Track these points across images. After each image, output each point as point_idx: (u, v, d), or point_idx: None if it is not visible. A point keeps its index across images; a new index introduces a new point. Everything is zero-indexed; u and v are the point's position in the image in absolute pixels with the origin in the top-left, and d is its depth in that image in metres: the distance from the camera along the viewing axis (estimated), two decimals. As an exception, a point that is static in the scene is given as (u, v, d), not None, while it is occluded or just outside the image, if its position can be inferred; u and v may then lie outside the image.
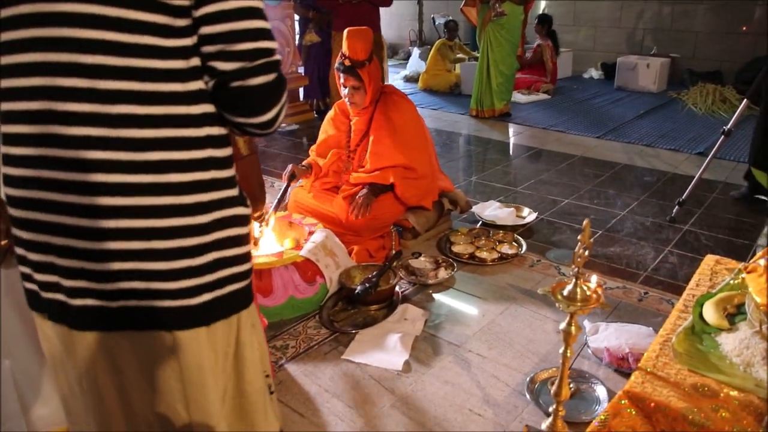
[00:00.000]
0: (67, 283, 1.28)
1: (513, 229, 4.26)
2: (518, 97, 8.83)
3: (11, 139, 1.23)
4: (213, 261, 1.32)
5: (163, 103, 1.22)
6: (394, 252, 3.64)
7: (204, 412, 1.39)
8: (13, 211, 1.29)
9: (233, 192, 1.37)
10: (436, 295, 3.45)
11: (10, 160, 1.25)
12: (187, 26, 1.22)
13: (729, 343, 1.74)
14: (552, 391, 2.08)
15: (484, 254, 3.84)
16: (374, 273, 3.32)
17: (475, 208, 4.50)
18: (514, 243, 4.00)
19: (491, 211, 4.47)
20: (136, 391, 1.37)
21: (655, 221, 4.46)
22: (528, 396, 2.60)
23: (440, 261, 3.76)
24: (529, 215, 4.46)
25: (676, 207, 4.43)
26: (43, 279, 1.31)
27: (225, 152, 1.35)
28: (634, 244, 4.08)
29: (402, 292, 3.44)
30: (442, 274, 3.62)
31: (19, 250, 1.33)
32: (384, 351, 2.91)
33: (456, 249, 3.92)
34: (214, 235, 1.32)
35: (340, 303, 3.34)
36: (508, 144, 7.02)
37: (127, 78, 1.18)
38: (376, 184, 3.77)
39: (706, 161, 4.39)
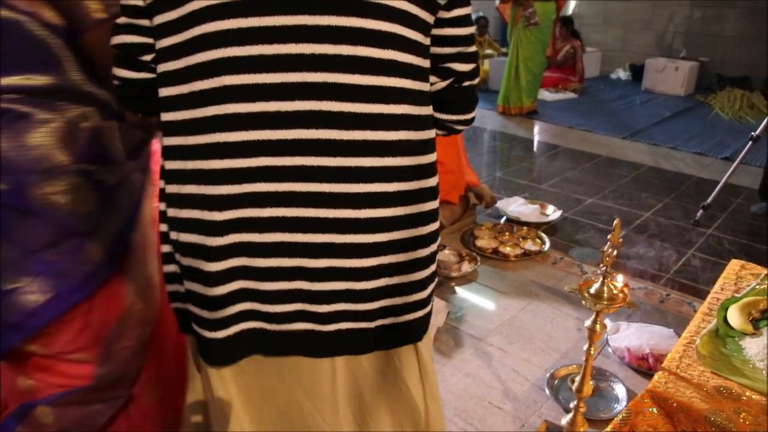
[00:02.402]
0: (322, 308, 1.22)
1: (537, 226, 4.28)
2: (545, 95, 8.80)
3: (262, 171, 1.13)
4: (433, 273, 1.34)
5: (425, 103, 1.24)
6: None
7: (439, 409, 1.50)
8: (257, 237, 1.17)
9: None
10: (458, 288, 3.48)
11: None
12: (431, 25, 1.21)
13: (753, 347, 1.76)
14: (574, 388, 2.10)
15: (507, 249, 3.87)
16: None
17: (499, 204, 4.52)
18: (537, 240, 4.03)
19: (516, 207, 4.49)
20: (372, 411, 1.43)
21: (678, 224, 4.46)
22: (548, 391, 2.63)
23: (464, 254, 3.79)
24: (553, 213, 4.48)
25: (701, 211, 4.43)
26: (282, 309, 1.23)
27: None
28: (658, 245, 4.09)
29: (425, 284, 3.47)
30: (466, 267, 3.65)
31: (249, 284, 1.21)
32: (406, 341, 2.95)
33: (480, 243, 3.94)
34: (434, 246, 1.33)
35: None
36: (534, 141, 7.02)
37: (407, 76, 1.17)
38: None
39: (733, 166, 4.38)
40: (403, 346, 1.35)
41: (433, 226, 1.27)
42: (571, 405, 2.17)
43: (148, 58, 1.18)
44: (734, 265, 2.32)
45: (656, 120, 7.84)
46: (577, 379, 2.10)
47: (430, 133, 1.25)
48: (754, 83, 9.03)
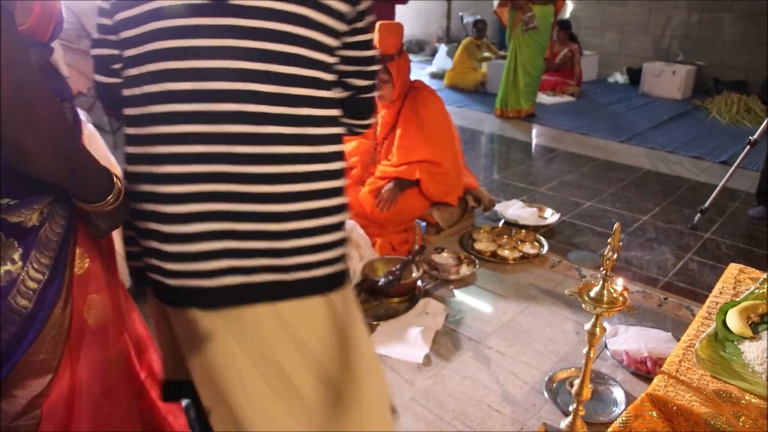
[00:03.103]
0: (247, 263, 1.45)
1: (535, 229, 4.28)
2: (543, 98, 8.83)
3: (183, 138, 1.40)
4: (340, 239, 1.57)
5: (326, 107, 1.50)
6: (417, 246, 3.68)
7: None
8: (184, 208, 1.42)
9: None
10: (457, 291, 3.49)
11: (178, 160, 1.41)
12: (337, 47, 1.51)
13: (752, 351, 1.76)
14: (573, 391, 2.11)
15: (505, 252, 3.87)
16: (397, 266, 3.36)
17: (497, 207, 4.53)
18: (535, 243, 4.03)
19: (514, 210, 4.50)
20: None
21: (676, 228, 4.47)
22: (546, 395, 2.63)
23: (462, 257, 3.79)
24: (551, 216, 4.49)
25: (698, 215, 4.44)
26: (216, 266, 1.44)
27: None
28: (655, 249, 4.10)
29: (423, 287, 3.48)
30: (464, 270, 3.66)
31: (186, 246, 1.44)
32: (405, 344, 2.96)
33: (478, 246, 3.95)
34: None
35: (362, 294, 3.38)
36: (532, 144, 7.04)
37: (309, 86, 1.45)
38: (402, 179, 3.80)
39: (731, 170, 4.38)
40: (315, 295, 1.54)
41: (337, 201, 1.52)
42: (570, 408, 2.19)
43: (117, 66, 1.48)
44: (733, 269, 2.33)
45: (654, 124, 7.87)
46: (576, 382, 2.11)
47: (332, 130, 1.52)
48: (751, 87, 9.07)
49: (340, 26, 1.48)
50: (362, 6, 1.53)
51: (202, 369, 1.52)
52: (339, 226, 1.55)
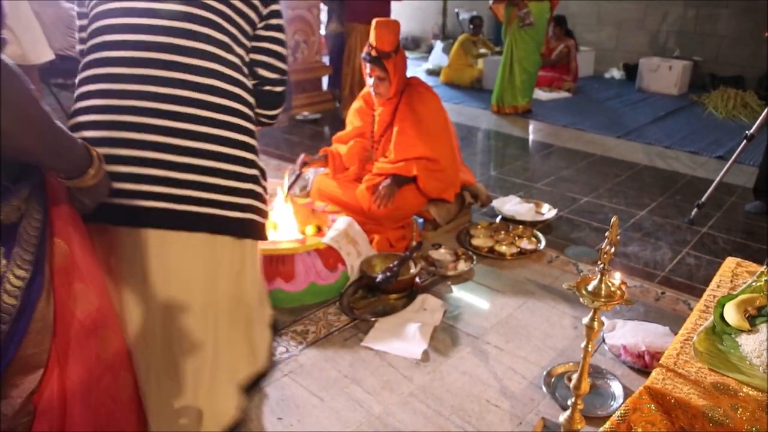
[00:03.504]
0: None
1: (532, 224, 4.29)
2: (539, 94, 8.84)
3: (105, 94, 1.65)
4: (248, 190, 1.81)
5: (232, 83, 1.72)
6: (414, 243, 3.68)
7: None
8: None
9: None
10: (454, 287, 3.49)
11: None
12: (252, 36, 1.81)
13: (749, 344, 1.77)
14: (572, 385, 2.11)
15: (503, 248, 3.88)
16: (395, 262, 3.36)
17: (495, 203, 4.53)
18: (533, 238, 4.04)
19: (511, 206, 4.51)
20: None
21: (673, 222, 4.48)
22: (545, 389, 2.64)
23: (460, 253, 3.80)
24: (548, 212, 4.50)
25: (695, 209, 4.45)
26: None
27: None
28: (652, 244, 4.11)
29: (421, 283, 3.48)
30: (462, 266, 3.66)
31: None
32: (403, 340, 2.96)
33: (475, 242, 3.95)
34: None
35: (360, 291, 3.38)
36: (528, 140, 7.05)
37: (217, 62, 1.69)
38: (399, 176, 3.80)
39: (728, 165, 4.39)
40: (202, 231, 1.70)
41: (240, 153, 1.74)
42: (569, 402, 2.18)
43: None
44: (730, 262, 2.33)
45: (650, 119, 7.88)
46: (574, 376, 2.11)
47: (237, 107, 1.73)
48: (747, 82, 9.08)
49: (255, 17, 1.78)
50: (274, 6, 1.83)
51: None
52: (238, 176, 1.73)
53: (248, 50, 1.81)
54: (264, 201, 1.87)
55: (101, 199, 1.54)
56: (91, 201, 1.50)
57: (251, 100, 1.81)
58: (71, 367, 1.43)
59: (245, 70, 1.80)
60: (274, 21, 1.83)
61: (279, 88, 1.92)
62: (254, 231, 1.83)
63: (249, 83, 1.80)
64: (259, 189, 1.82)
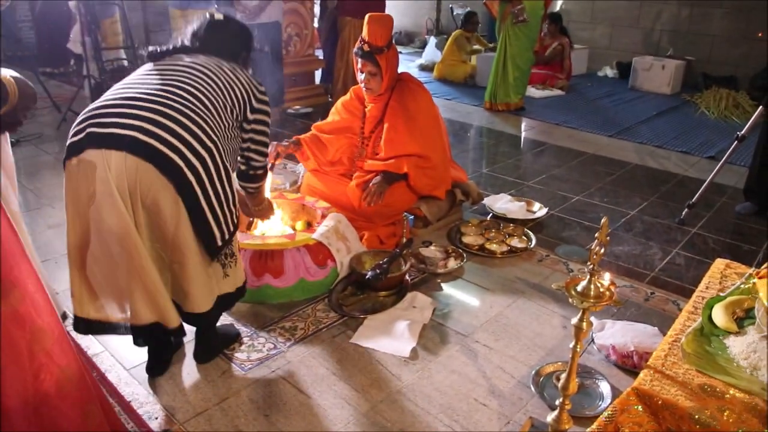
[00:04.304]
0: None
1: (523, 223, 4.29)
2: (532, 91, 8.83)
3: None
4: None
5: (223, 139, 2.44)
6: (405, 240, 3.67)
7: None
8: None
9: None
10: (444, 285, 3.48)
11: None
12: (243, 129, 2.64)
13: (737, 346, 1.77)
14: (560, 385, 2.10)
15: (493, 246, 3.87)
16: (385, 259, 3.35)
17: (486, 201, 4.53)
18: (523, 237, 4.03)
19: (502, 204, 4.50)
20: None
21: (663, 222, 4.48)
22: (533, 388, 2.63)
23: (450, 251, 3.79)
24: (539, 210, 4.49)
25: (686, 209, 4.46)
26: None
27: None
28: (642, 244, 4.11)
29: (411, 280, 3.47)
30: (452, 264, 3.66)
31: None
32: (392, 337, 2.95)
33: (466, 240, 3.95)
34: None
35: (349, 287, 3.37)
36: (520, 138, 7.04)
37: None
38: (389, 173, 3.78)
39: (719, 165, 4.39)
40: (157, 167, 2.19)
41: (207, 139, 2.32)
42: (557, 402, 2.18)
43: None
44: (719, 264, 2.33)
45: (642, 118, 7.88)
46: (563, 376, 2.11)
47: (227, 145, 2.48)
48: (739, 83, 9.09)
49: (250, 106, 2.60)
50: (259, 106, 2.63)
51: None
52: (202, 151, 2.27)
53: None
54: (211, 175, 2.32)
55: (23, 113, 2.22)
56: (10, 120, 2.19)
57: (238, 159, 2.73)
58: None
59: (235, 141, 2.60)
60: (260, 114, 2.68)
61: (260, 171, 2.82)
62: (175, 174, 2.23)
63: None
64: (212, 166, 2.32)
